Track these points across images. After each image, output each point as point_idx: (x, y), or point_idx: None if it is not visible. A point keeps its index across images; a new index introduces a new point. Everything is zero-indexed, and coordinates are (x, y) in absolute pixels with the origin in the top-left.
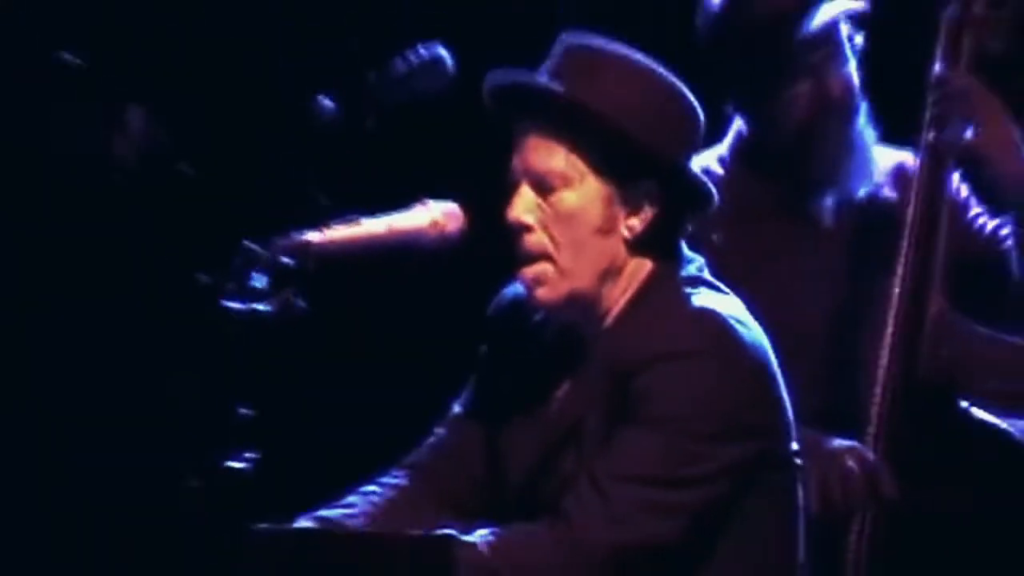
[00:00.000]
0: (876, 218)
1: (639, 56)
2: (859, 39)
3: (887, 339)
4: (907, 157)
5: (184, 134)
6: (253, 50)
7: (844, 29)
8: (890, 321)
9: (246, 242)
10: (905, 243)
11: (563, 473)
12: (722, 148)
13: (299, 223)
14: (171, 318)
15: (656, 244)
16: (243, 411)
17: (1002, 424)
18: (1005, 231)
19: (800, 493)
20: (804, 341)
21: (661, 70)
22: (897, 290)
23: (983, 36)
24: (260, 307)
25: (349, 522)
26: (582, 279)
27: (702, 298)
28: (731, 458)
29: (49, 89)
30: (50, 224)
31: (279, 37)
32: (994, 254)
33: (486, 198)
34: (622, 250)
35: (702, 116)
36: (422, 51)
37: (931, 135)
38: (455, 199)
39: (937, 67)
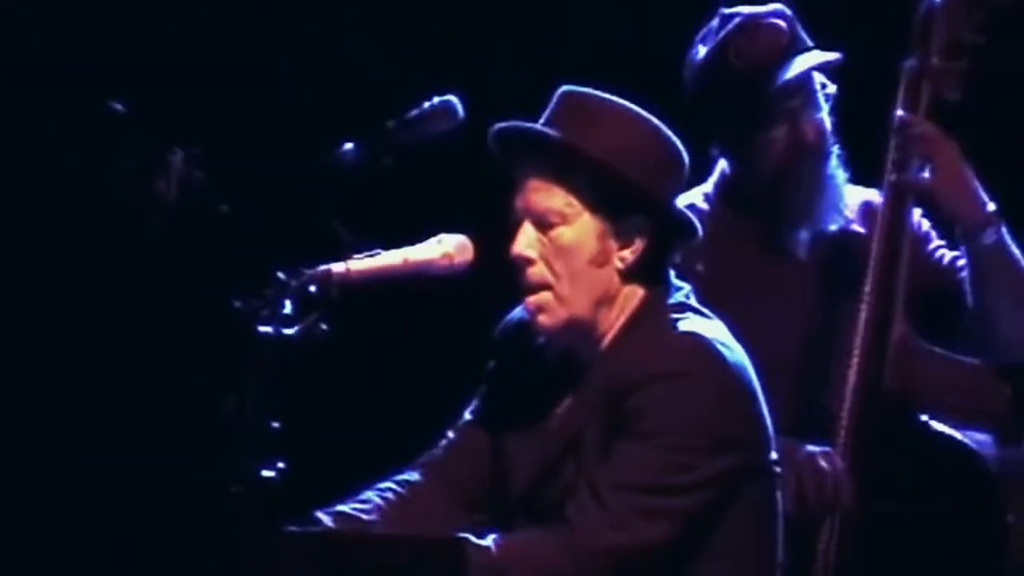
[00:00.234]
0: (845, 250)
1: (630, 105)
2: (831, 88)
3: (854, 360)
4: (874, 195)
5: (220, 175)
6: (281, 100)
7: (817, 79)
8: (857, 343)
9: (276, 273)
10: (871, 273)
11: (564, 481)
12: (707, 186)
13: (324, 255)
14: (210, 342)
15: (647, 273)
16: (274, 424)
17: (958, 436)
18: (962, 262)
19: (779, 499)
20: (780, 362)
21: (649, 117)
22: (864, 315)
23: (940, 86)
24: (288, 331)
25: (364, 517)
26: (579, 306)
27: (689, 323)
28: (718, 468)
29: (102, 134)
30: (102, 257)
31: (306, 89)
32: (951, 283)
33: (492, 231)
34: (616, 279)
35: (686, 158)
36: (434, 99)
37: (893, 175)
38: (465, 232)
39: (898, 114)
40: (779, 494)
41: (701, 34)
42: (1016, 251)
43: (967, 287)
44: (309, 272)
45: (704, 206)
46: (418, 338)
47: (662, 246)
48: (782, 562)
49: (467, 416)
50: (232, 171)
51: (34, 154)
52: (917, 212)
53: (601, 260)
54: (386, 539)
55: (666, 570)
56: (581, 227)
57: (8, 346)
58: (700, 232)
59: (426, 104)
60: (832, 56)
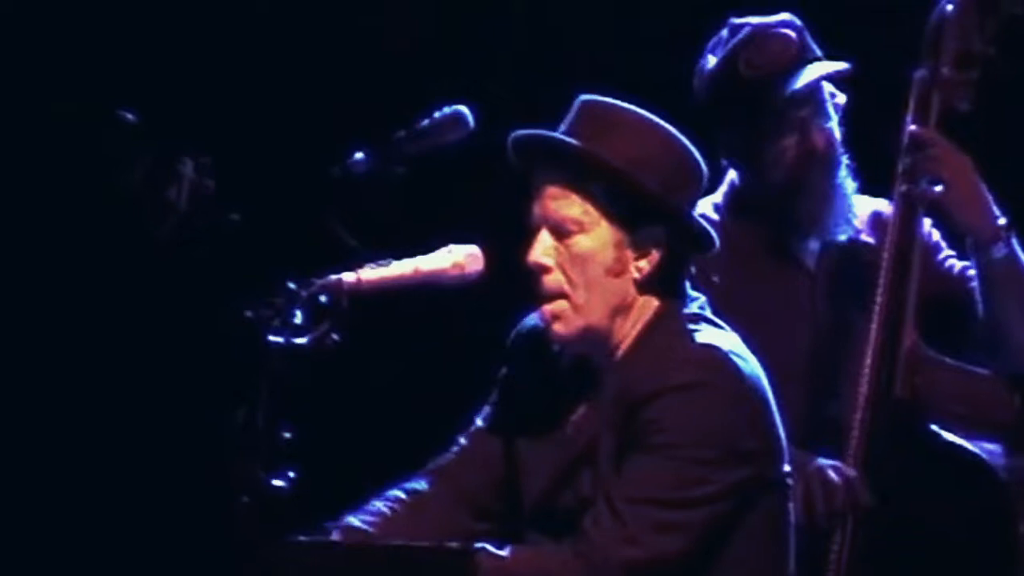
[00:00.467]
0: (855, 260)
1: (648, 114)
2: (840, 98)
3: (865, 369)
4: (883, 205)
5: (230, 184)
6: (292, 109)
7: (827, 88)
8: (868, 353)
9: (287, 282)
10: (881, 283)
11: (580, 490)
12: (717, 196)
13: (335, 265)
14: (220, 351)
15: (662, 284)
16: (285, 434)
17: (969, 446)
18: (972, 272)
19: (791, 510)
20: (790, 372)
21: (668, 126)
22: (874, 325)
23: (951, 96)
24: (299, 340)
25: (374, 528)
26: (595, 315)
27: (704, 334)
28: (732, 480)
29: (112, 144)
30: (113, 266)
31: (318, 98)
32: (961, 292)
33: (503, 241)
34: (632, 289)
35: (704, 168)
36: (445, 109)
37: (904, 186)
38: (475, 242)
39: (909, 125)
40: (791, 505)
41: (711, 44)
42: None
43: (977, 297)
44: (320, 282)
45: (714, 216)
46: (429, 348)
47: (678, 256)
48: (794, 573)
49: (478, 423)
50: (243, 180)
51: (45, 163)
52: (927, 222)
53: (618, 269)
54: (396, 549)
55: None
56: (598, 236)
57: (19, 354)
58: (716, 242)
59: (436, 114)
60: (842, 66)
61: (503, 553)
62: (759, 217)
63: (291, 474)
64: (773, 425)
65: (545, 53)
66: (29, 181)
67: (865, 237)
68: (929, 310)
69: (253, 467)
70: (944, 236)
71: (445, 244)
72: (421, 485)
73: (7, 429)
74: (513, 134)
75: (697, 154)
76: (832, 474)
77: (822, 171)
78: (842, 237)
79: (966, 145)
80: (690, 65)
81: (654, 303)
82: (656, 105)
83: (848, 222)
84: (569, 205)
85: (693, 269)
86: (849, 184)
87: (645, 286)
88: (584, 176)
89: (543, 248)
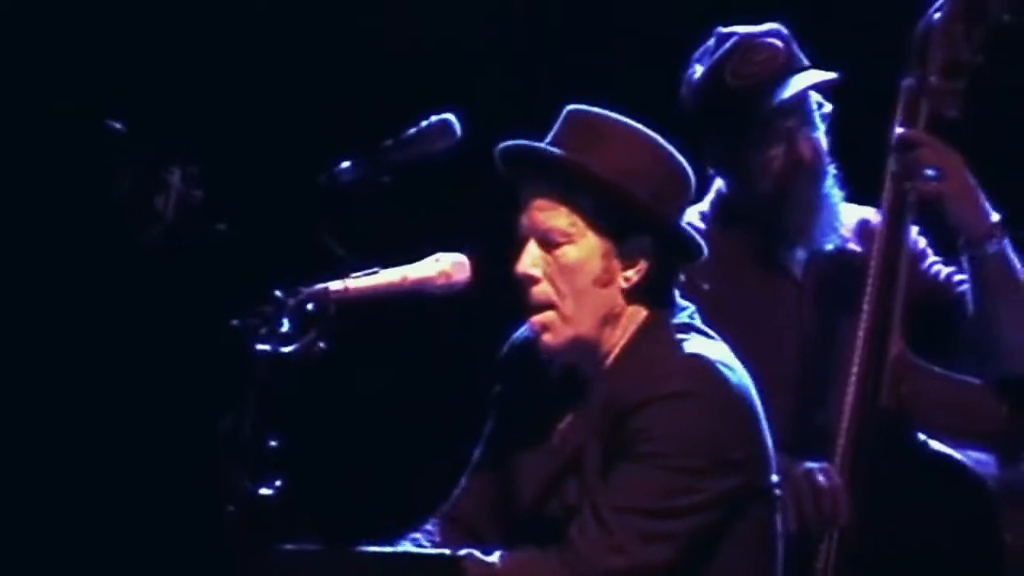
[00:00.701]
0: (842, 268)
1: (636, 124)
2: (827, 107)
3: (852, 377)
4: (870, 213)
5: (218, 194)
6: (279, 119)
7: (814, 98)
8: (855, 361)
9: (274, 291)
10: (868, 291)
11: (567, 499)
12: (703, 205)
13: (322, 274)
14: (207, 360)
15: (651, 293)
16: (272, 442)
17: (955, 454)
18: (959, 277)
19: (779, 521)
20: (777, 380)
21: (656, 136)
22: (861, 333)
23: (939, 105)
24: (286, 349)
25: None
26: (583, 325)
27: (692, 344)
28: (719, 490)
29: (100, 153)
30: (100, 275)
31: (305, 108)
32: (949, 298)
33: (490, 250)
34: (620, 299)
35: (693, 178)
36: (432, 116)
37: (898, 186)
38: (462, 251)
39: (899, 130)
40: (779, 515)
41: (698, 53)
42: (1017, 262)
43: (965, 302)
44: (307, 290)
45: (700, 224)
46: (416, 356)
47: (666, 266)
48: None
49: (477, 454)
50: (230, 189)
51: (33, 172)
52: (914, 229)
53: (605, 279)
54: (384, 557)
55: None
56: (585, 246)
57: (6, 362)
58: (705, 253)
59: (423, 122)
60: (829, 75)
61: (491, 560)
62: (746, 226)
63: (278, 483)
64: (761, 434)
65: (534, 62)
66: (17, 190)
67: (852, 246)
68: (917, 317)
69: (240, 476)
70: (931, 243)
71: (432, 253)
72: (435, 529)
73: None
74: (500, 145)
75: (685, 164)
76: (820, 477)
77: (809, 180)
78: (829, 246)
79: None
80: (677, 75)
81: (643, 312)
82: (644, 115)
83: (835, 231)
84: (556, 216)
85: (682, 277)
86: (836, 193)
87: (633, 296)
88: (571, 187)
89: (531, 259)
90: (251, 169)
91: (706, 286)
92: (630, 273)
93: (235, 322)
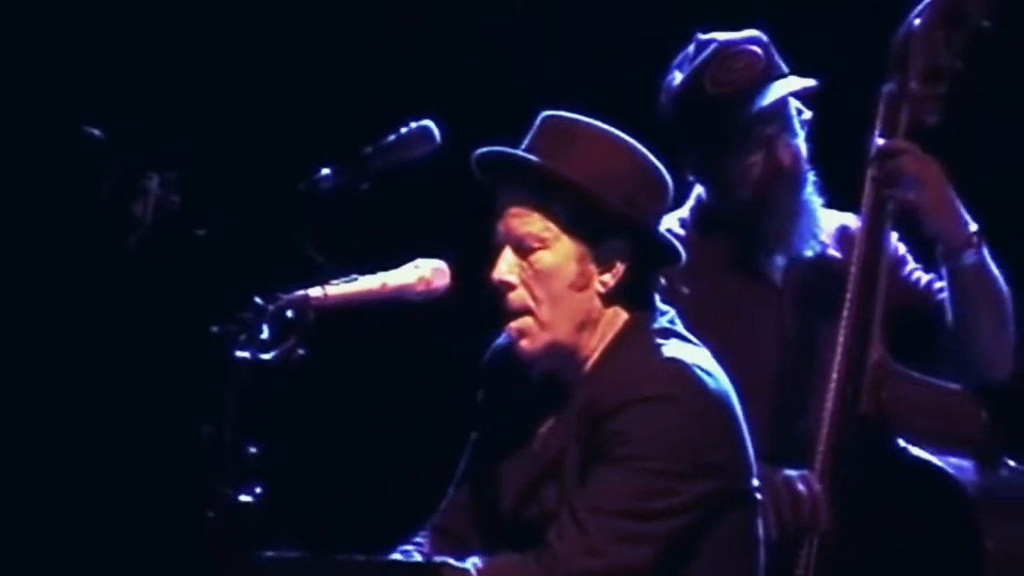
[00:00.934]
0: (822, 275)
1: (611, 129)
2: (807, 114)
3: (832, 384)
4: (850, 219)
5: (197, 200)
6: (259, 125)
7: (793, 105)
8: (835, 367)
9: (254, 298)
10: (848, 297)
11: (545, 504)
12: (683, 211)
13: (301, 280)
14: (187, 367)
15: (629, 297)
16: (252, 448)
17: (936, 461)
18: (939, 285)
19: (760, 526)
20: (759, 385)
21: (631, 141)
22: (841, 339)
23: (919, 111)
24: (266, 356)
25: None
26: (561, 330)
27: (671, 348)
28: (697, 493)
29: (79, 159)
30: (78, 281)
31: (284, 114)
32: (929, 305)
33: (470, 256)
34: (597, 303)
35: (670, 181)
36: (411, 123)
37: (877, 193)
38: (442, 257)
39: (877, 140)
40: (760, 520)
41: (677, 60)
42: (995, 270)
43: (945, 308)
44: (286, 297)
45: (680, 231)
46: (396, 363)
47: (643, 270)
48: None
49: (463, 465)
50: (209, 196)
51: (12, 179)
52: (893, 236)
53: (581, 284)
54: (363, 565)
55: None
56: (560, 251)
57: None
58: (683, 257)
59: (403, 129)
60: (808, 82)
61: (466, 566)
62: (726, 233)
63: (258, 489)
64: (740, 439)
65: (513, 68)
66: None
67: (832, 252)
68: (897, 323)
69: (220, 482)
70: (910, 250)
71: (412, 259)
72: (425, 541)
73: None
74: (476, 151)
75: (661, 167)
76: (800, 485)
77: (788, 187)
78: (809, 252)
79: (935, 158)
80: (656, 81)
81: (622, 316)
82: (623, 121)
83: (815, 237)
84: (531, 222)
85: (663, 282)
86: (815, 200)
87: (611, 299)
88: (544, 193)
89: (507, 265)
90: (231, 176)
91: (686, 290)
92: (606, 277)
93: (215, 329)
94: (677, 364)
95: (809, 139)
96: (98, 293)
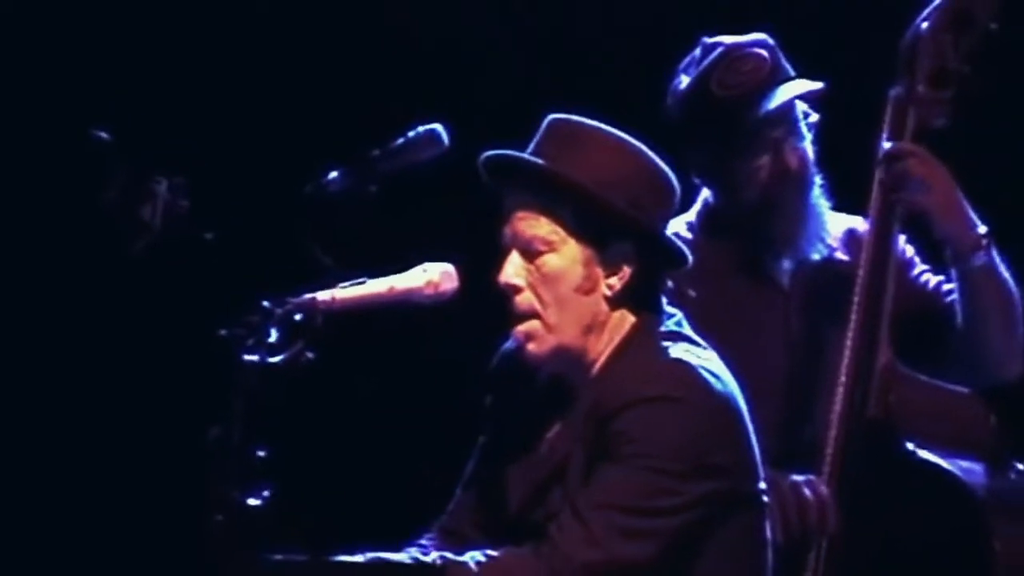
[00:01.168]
0: (830, 278)
1: (618, 132)
2: (813, 117)
3: (840, 387)
4: (857, 222)
5: (205, 203)
6: (266, 129)
7: (800, 108)
8: (843, 371)
9: (262, 301)
10: (856, 300)
11: (550, 507)
12: (690, 215)
13: (309, 284)
14: (195, 370)
15: (636, 300)
16: (259, 452)
17: (944, 464)
18: (947, 287)
19: (767, 527)
20: (766, 389)
21: (638, 144)
22: (849, 343)
23: (926, 114)
24: (274, 359)
25: None
26: (568, 334)
27: (678, 351)
28: (699, 492)
29: (88, 163)
30: (87, 284)
31: (291, 117)
32: (937, 307)
33: (478, 259)
34: (604, 306)
35: (677, 185)
36: (419, 126)
37: (886, 198)
38: (450, 260)
39: (884, 143)
40: (767, 523)
41: (683, 63)
42: (1005, 271)
43: (954, 310)
44: (294, 300)
45: (687, 235)
46: (404, 366)
47: (650, 273)
48: None
49: (470, 467)
50: (217, 199)
51: (19, 182)
52: (901, 238)
53: (588, 287)
54: (369, 567)
55: None
56: (567, 254)
57: None
58: (690, 259)
59: (411, 132)
60: (815, 85)
61: (470, 564)
62: (733, 236)
63: (266, 492)
64: (746, 441)
65: (520, 72)
66: (3, 199)
67: (839, 255)
68: (906, 326)
69: (228, 485)
70: (918, 252)
71: (420, 262)
72: (432, 542)
73: None
74: (483, 155)
75: (667, 170)
76: (806, 491)
77: (795, 191)
78: (816, 256)
79: (942, 162)
80: (663, 84)
81: (629, 319)
82: (630, 124)
83: (822, 240)
84: (537, 225)
85: (670, 284)
86: (823, 203)
87: (617, 302)
88: (550, 196)
89: (514, 268)
90: (239, 179)
91: (692, 293)
92: (613, 280)
93: (223, 332)
94: (682, 366)
95: (816, 142)
96: (107, 297)
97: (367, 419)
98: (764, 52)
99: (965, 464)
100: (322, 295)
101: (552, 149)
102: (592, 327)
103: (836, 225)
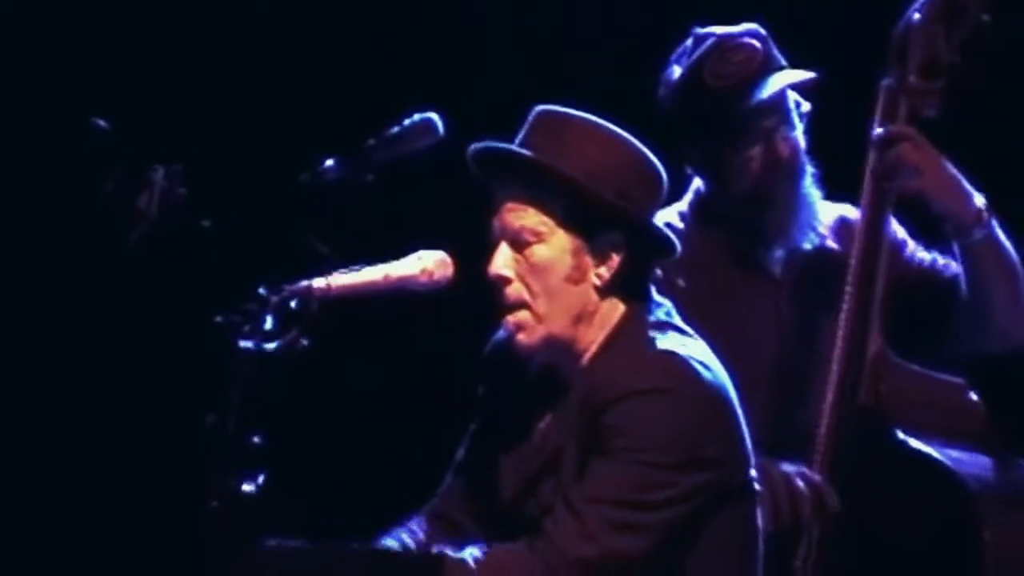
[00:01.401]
0: (821, 266)
1: (605, 123)
2: (805, 106)
3: (832, 376)
4: (848, 209)
5: (202, 192)
6: (263, 118)
7: (791, 97)
8: (834, 359)
9: (258, 288)
10: (848, 288)
11: (543, 497)
12: (682, 204)
13: (305, 271)
14: (191, 357)
15: (625, 289)
16: (255, 438)
17: (934, 452)
18: (943, 261)
19: (758, 517)
20: (758, 378)
21: (625, 135)
22: (841, 331)
23: (917, 104)
24: (270, 346)
25: None
26: (557, 324)
27: (667, 341)
28: (692, 484)
29: (85, 152)
30: (84, 272)
31: (288, 106)
32: (936, 283)
33: (472, 247)
34: (593, 296)
35: (664, 175)
36: (415, 115)
37: (879, 184)
38: (445, 248)
39: (877, 130)
40: (759, 512)
41: (676, 54)
42: (1006, 241)
43: (956, 285)
44: (290, 288)
45: (679, 224)
46: (398, 353)
47: (639, 262)
48: None
49: (461, 454)
50: (214, 188)
51: (16, 170)
52: (892, 221)
53: (577, 277)
54: (365, 555)
55: None
56: (556, 245)
57: None
58: (678, 248)
59: (406, 121)
60: (806, 75)
61: (466, 557)
62: (725, 225)
63: (261, 478)
64: (737, 431)
65: (514, 63)
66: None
67: (831, 243)
68: (908, 305)
69: (224, 471)
70: (918, 230)
71: (415, 250)
72: (421, 524)
73: None
74: (471, 147)
75: (655, 160)
76: (798, 481)
77: (787, 180)
78: (807, 245)
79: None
80: (655, 76)
81: (619, 309)
82: (621, 115)
83: (813, 230)
84: (526, 216)
85: (659, 274)
86: (814, 192)
87: (607, 292)
88: (538, 187)
89: (503, 260)
90: (235, 168)
91: (681, 282)
92: (602, 270)
93: (219, 319)
94: (673, 357)
95: (808, 132)
96: (104, 284)
97: (361, 406)
98: (756, 42)
99: (954, 452)
100: (318, 282)
101: (540, 140)
102: (582, 317)
103: (827, 214)
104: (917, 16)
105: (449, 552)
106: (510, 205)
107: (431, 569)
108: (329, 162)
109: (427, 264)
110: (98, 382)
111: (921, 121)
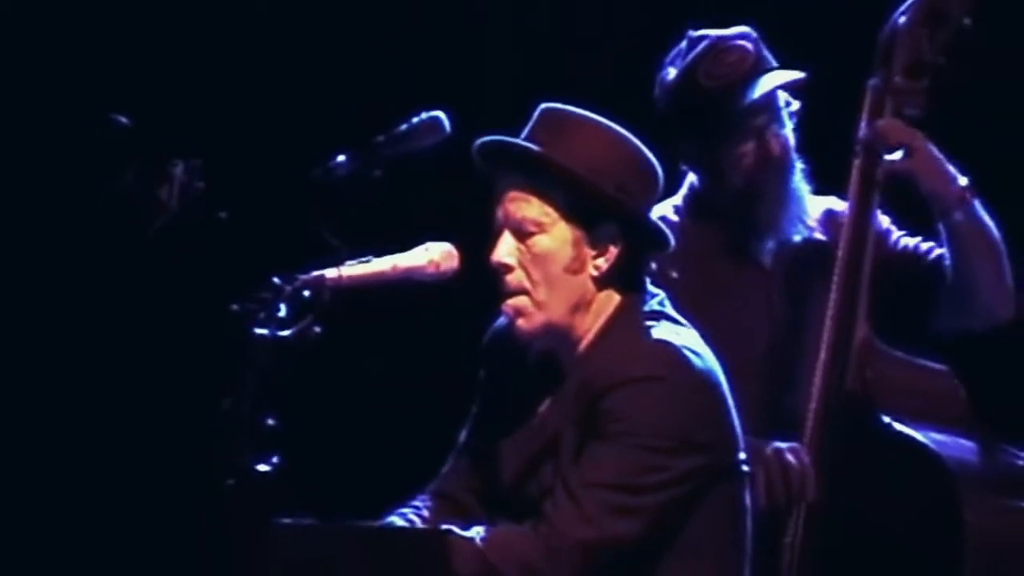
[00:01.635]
0: (810, 258)
1: (606, 121)
2: (795, 105)
3: (820, 362)
4: (834, 202)
5: (220, 185)
6: (276, 115)
7: (782, 97)
8: (822, 347)
9: (273, 278)
10: (836, 278)
11: (542, 479)
12: (677, 199)
13: (318, 261)
14: (208, 343)
15: (621, 280)
16: (269, 421)
17: (919, 436)
18: (926, 245)
19: (748, 498)
20: (748, 365)
21: (625, 132)
22: (829, 319)
23: (902, 104)
24: (283, 333)
25: None
26: (556, 311)
27: (661, 330)
28: (685, 468)
29: (106, 147)
30: (106, 263)
31: (301, 104)
32: (921, 266)
33: (477, 239)
34: (591, 286)
35: (660, 171)
36: (422, 114)
37: (863, 164)
38: (451, 240)
39: (864, 127)
40: (748, 492)
41: (670, 56)
42: (989, 220)
43: (940, 266)
44: (303, 277)
45: (674, 218)
46: (407, 340)
47: (635, 254)
48: (751, 558)
49: (464, 436)
50: (231, 182)
51: (39, 164)
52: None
53: (576, 267)
54: (374, 531)
55: (638, 566)
56: (557, 235)
57: (10, 348)
58: (672, 242)
59: (414, 119)
60: (796, 75)
61: (472, 535)
62: (718, 219)
63: (274, 459)
64: (727, 416)
65: (515, 63)
66: (23, 182)
67: (818, 235)
68: (895, 288)
69: (239, 452)
70: (903, 215)
71: (422, 242)
72: (425, 504)
73: None
74: (477, 140)
75: (652, 157)
76: (789, 456)
77: (778, 176)
78: (797, 237)
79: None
80: (652, 75)
81: (615, 299)
82: (620, 114)
83: (803, 222)
84: (529, 207)
85: (654, 266)
86: (803, 187)
87: (604, 282)
88: (542, 179)
89: (506, 249)
90: (251, 163)
91: (675, 274)
92: (600, 261)
93: (235, 307)
94: (666, 346)
95: (797, 129)
96: (125, 274)
97: (371, 390)
98: (748, 44)
99: (939, 436)
100: (329, 272)
101: (545, 135)
102: (579, 305)
103: (815, 207)
104: (902, 19)
105: (455, 529)
106: (514, 195)
107: (439, 545)
108: (340, 158)
109: (434, 255)
110: (119, 367)
111: (904, 120)
